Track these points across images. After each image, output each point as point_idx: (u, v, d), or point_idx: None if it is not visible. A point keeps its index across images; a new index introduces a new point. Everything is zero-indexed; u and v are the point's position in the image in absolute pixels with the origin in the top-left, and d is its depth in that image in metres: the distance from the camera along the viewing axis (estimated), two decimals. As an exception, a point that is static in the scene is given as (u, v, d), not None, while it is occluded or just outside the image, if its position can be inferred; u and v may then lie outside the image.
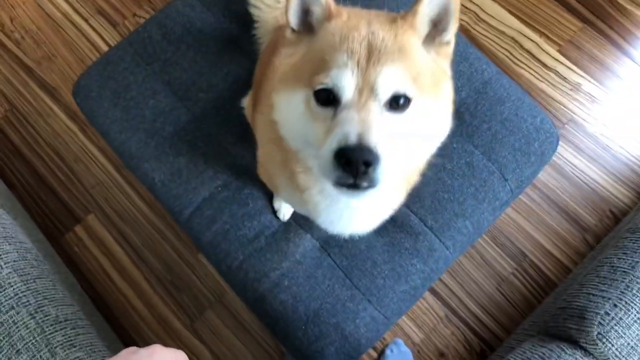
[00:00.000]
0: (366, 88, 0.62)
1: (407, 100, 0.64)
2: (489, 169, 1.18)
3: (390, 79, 0.62)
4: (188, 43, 1.31)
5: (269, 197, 1.21)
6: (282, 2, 1.25)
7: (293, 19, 0.69)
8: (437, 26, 0.69)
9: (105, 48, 1.92)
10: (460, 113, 1.22)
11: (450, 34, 0.70)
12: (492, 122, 1.21)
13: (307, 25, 0.70)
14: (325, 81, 0.62)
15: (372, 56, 0.62)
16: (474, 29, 1.93)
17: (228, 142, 1.23)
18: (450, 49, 0.71)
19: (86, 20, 1.96)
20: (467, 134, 1.21)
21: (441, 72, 0.70)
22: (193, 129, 1.25)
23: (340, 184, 0.63)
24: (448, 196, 1.17)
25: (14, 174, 1.82)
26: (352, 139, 0.59)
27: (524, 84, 1.85)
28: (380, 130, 0.61)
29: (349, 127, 0.60)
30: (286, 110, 0.69)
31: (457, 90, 1.25)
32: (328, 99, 0.63)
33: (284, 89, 0.68)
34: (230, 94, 1.26)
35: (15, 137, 1.85)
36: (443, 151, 1.19)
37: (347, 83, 0.62)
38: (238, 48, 1.33)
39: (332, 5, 0.67)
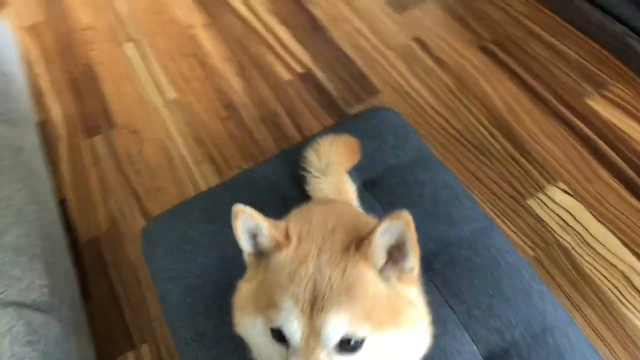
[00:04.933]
0: (313, 335, 0.62)
1: (361, 340, 0.62)
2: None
3: (336, 325, 0.62)
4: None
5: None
6: (327, 176, 1.30)
7: (245, 245, 0.72)
8: (398, 252, 0.68)
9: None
10: (509, 354, 1.10)
11: (412, 262, 0.69)
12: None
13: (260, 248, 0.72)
14: (275, 321, 0.64)
15: (316, 301, 0.62)
16: (576, 251, 1.79)
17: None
18: (414, 275, 0.70)
19: (197, 164, 2.18)
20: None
21: (402, 301, 0.68)
22: (231, 294, 1.27)
23: None
24: None
25: (95, 287, 1.97)
26: None
27: (628, 328, 1.63)
28: None
29: None
30: (250, 332, 0.70)
31: (510, 328, 1.13)
32: (281, 336, 0.64)
33: (246, 312, 0.70)
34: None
35: (107, 255, 2.02)
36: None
37: (293, 329, 0.63)
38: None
39: (279, 236, 0.69)
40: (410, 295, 0.70)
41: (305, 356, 0.61)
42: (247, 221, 0.71)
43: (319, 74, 2.39)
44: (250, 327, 0.70)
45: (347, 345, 0.62)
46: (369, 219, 0.74)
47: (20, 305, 1.41)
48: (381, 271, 0.68)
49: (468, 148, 2.08)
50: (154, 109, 2.37)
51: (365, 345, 0.63)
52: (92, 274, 1.98)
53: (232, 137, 2.23)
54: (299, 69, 2.42)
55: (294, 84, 2.37)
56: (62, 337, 1.51)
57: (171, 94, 2.41)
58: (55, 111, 2.41)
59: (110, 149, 2.27)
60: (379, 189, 1.37)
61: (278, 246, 0.69)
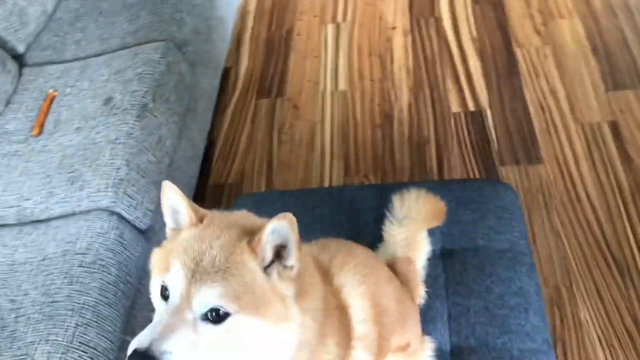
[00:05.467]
0: (186, 298, 0.72)
1: (226, 314, 0.71)
2: None
3: (206, 296, 0.71)
4: (323, 229, 1.40)
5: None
6: (401, 227, 1.26)
7: (167, 220, 0.83)
8: (284, 251, 0.77)
9: (325, 185, 2.15)
10: None
11: (292, 260, 0.77)
12: None
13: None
14: (164, 280, 0.75)
15: (197, 272, 0.72)
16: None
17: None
18: (293, 273, 0.78)
19: (332, 158, 2.24)
20: None
21: (275, 295, 0.76)
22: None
23: None
24: None
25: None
26: (143, 343, 0.68)
27: None
28: (182, 338, 0.70)
29: (149, 330, 0.71)
30: (152, 292, 0.80)
31: None
32: (166, 295, 0.75)
33: (152, 274, 0.81)
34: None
35: (224, 205, 2.20)
36: None
37: (173, 289, 0.73)
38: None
39: (193, 215, 0.79)
40: (285, 292, 0.77)
41: (173, 313, 0.71)
42: (171, 198, 0.80)
43: (489, 119, 2.26)
44: (152, 287, 0.80)
45: (214, 316, 0.71)
46: None
47: (122, 218, 1.63)
48: (266, 268, 0.76)
49: (606, 258, 1.81)
50: (321, 93, 2.48)
51: (228, 321, 0.71)
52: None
53: (375, 147, 2.24)
54: (471, 106, 2.31)
55: (459, 119, 2.28)
56: (145, 255, 1.70)
57: (342, 84, 2.49)
58: (244, 63, 2.65)
59: (269, 114, 2.44)
60: (452, 263, 1.29)
61: (190, 225, 0.79)
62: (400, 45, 2.60)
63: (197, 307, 0.71)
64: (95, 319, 1.44)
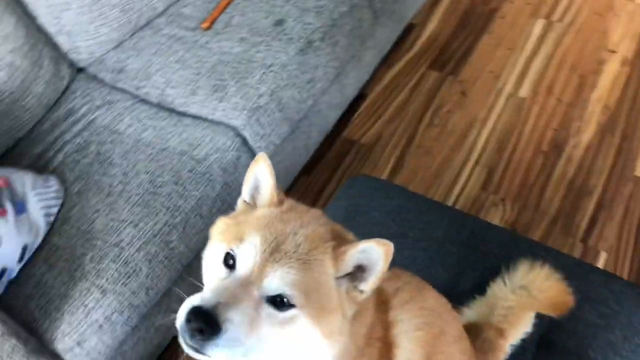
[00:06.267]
0: (258, 275, 0.68)
1: (290, 305, 0.68)
2: None
3: (279, 280, 0.68)
4: (427, 250, 1.26)
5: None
6: (511, 294, 1.10)
7: (246, 193, 0.80)
8: (361, 272, 0.73)
9: (457, 191, 1.97)
10: None
11: (367, 287, 0.73)
12: None
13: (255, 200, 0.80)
14: (234, 249, 0.70)
15: (277, 253, 0.69)
16: None
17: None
18: (360, 298, 0.74)
19: (475, 164, 2.03)
20: None
21: (338, 308, 0.72)
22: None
23: (181, 335, 0.68)
24: None
25: (316, 173, 2.09)
26: (209, 303, 0.66)
27: None
28: (245, 312, 0.66)
29: (216, 292, 0.67)
30: (209, 256, 0.77)
31: None
32: (229, 264, 0.71)
33: (214, 240, 0.77)
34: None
35: (347, 159, 2.11)
36: None
37: (246, 262, 0.69)
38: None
39: (276, 195, 0.76)
40: (347, 310, 0.74)
41: (239, 284, 0.67)
42: (261, 170, 0.77)
43: (676, 199, 1.89)
44: (211, 252, 0.76)
45: (279, 302, 0.68)
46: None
47: (245, 142, 1.61)
48: (338, 278, 0.72)
49: None
50: (497, 90, 2.22)
51: (290, 312, 0.68)
52: (324, 163, 2.10)
53: (528, 173, 1.98)
54: (658, 176, 1.94)
55: (639, 186, 1.93)
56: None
57: (523, 91, 2.20)
58: (431, 26, 2.45)
59: (433, 89, 2.25)
60: (546, 355, 1.10)
61: (271, 203, 0.76)
62: (611, 73, 2.23)
63: (267, 287, 0.68)
64: (183, 225, 1.47)
